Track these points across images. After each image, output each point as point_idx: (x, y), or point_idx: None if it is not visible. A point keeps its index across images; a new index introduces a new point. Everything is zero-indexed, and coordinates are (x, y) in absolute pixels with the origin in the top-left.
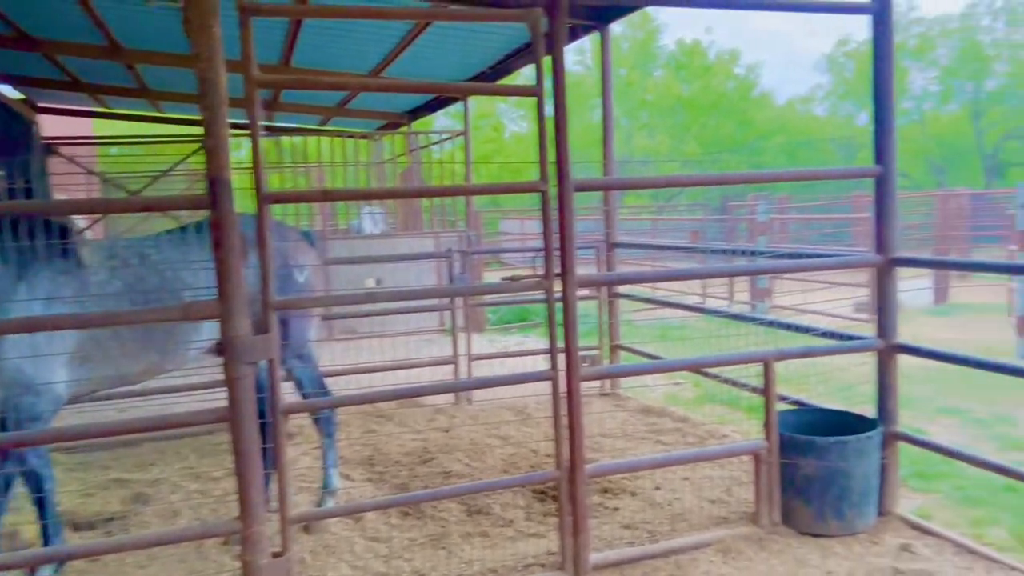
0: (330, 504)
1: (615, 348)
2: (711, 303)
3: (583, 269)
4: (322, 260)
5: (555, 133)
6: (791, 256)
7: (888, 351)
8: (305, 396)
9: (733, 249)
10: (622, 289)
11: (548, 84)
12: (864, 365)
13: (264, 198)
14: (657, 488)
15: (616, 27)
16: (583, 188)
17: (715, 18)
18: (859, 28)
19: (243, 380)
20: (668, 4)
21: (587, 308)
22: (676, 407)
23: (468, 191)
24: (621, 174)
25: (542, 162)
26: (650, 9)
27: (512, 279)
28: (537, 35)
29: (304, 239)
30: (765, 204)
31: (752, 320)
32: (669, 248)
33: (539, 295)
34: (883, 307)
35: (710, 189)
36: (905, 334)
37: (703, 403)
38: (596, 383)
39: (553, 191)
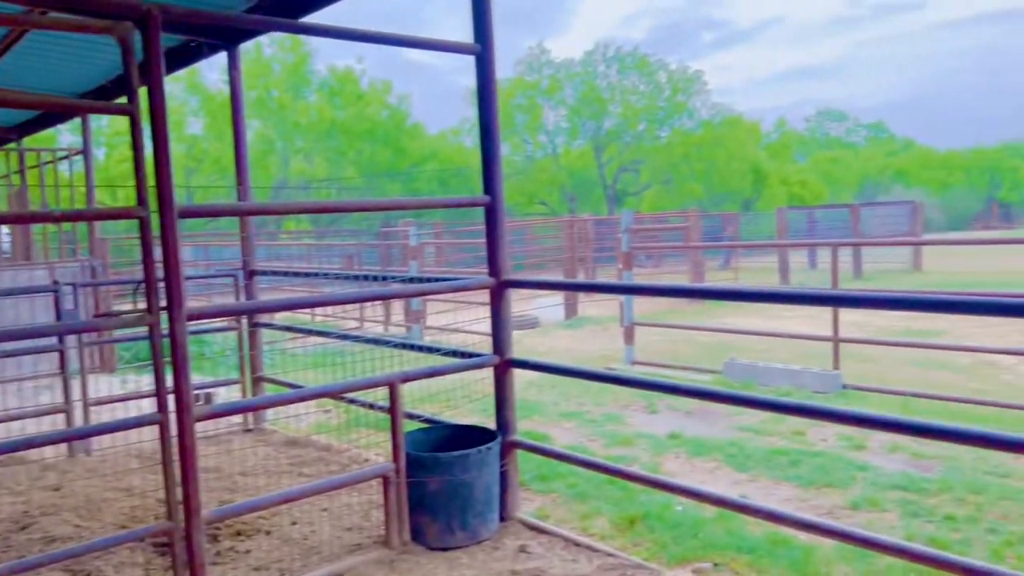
0: None
1: (257, 380)
2: (368, 327)
3: (226, 299)
4: None
5: (155, 156)
6: (417, 280)
7: (503, 366)
8: None
9: (365, 275)
10: (279, 318)
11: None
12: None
13: None
14: (294, 523)
15: (267, 49)
16: (188, 214)
17: (366, 48)
18: (499, 66)
19: None
20: (284, 31)
21: (232, 340)
22: (322, 436)
23: (54, 218)
24: (279, 198)
25: (139, 186)
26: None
27: (108, 314)
28: (129, 50)
29: None
30: (415, 229)
31: (385, 343)
32: (307, 275)
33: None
34: (497, 326)
35: (371, 214)
36: (543, 346)
37: (351, 429)
38: (239, 419)
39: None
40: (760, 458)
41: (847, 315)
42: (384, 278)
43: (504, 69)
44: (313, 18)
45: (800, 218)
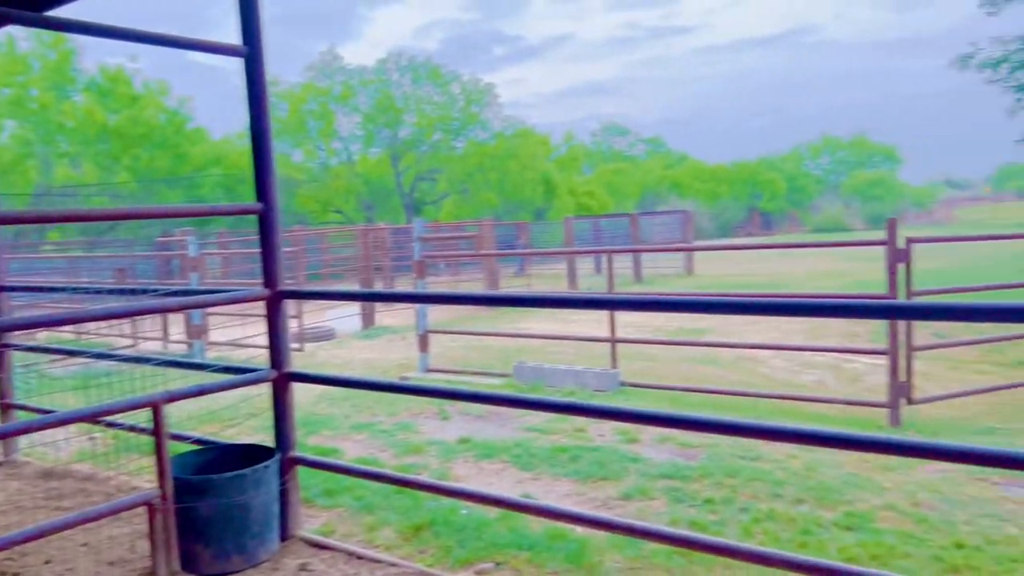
0: None
1: (7, 407)
2: (145, 344)
3: None
4: None
5: None
6: (185, 293)
7: (281, 380)
8: None
9: (133, 288)
10: (38, 337)
11: None
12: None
13: None
14: (47, 562)
15: (23, 43)
16: None
17: (142, 48)
18: (286, 70)
19: None
20: (24, 24)
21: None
22: (84, 464)
23: None
24: (42, 206)
25: None
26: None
27: None
28: None
29: None
30: (195, 239)
31: (146, 361)
32: (63, 290)
33: None
34: (274, 338)
35: (150, 223)
36: (339, 358)
37: (119, 455)
38: None
39: None
40: (543, 456)
41: (628, 316)
42: (145, 291)
43: (295, 74)
44: (66, 11)
45: (587, 227)
